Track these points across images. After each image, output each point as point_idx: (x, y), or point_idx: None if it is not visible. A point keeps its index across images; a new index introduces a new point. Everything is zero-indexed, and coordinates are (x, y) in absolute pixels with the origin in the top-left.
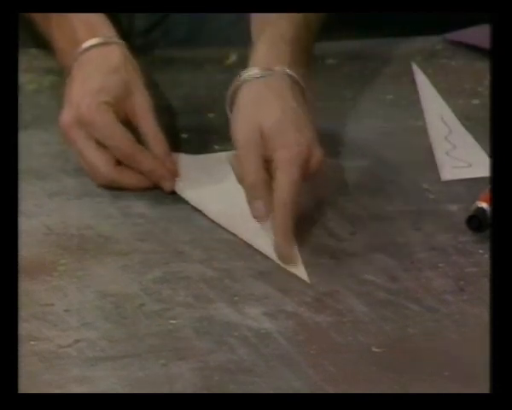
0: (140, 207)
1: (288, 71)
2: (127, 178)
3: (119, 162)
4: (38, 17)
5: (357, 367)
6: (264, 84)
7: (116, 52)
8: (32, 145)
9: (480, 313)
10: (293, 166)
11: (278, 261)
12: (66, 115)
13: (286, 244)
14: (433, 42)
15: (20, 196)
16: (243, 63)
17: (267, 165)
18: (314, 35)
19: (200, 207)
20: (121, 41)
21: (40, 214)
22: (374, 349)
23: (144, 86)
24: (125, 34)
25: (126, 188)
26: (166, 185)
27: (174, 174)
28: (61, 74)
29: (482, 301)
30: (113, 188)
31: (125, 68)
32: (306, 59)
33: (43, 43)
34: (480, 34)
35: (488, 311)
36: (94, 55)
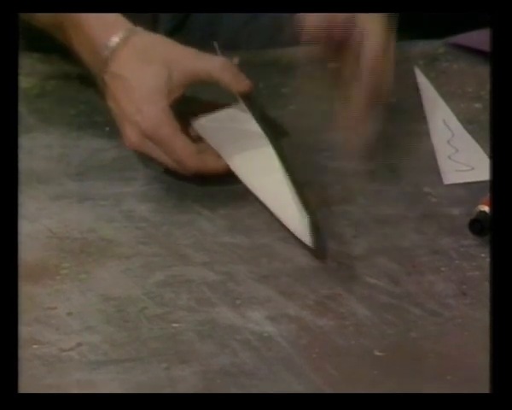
0: (142, 210)
1: None
2: (211, 162)
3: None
4: (52, 28)
5: (360, 371)
6: None
7: (139, 42)
8: (34, 149)
9: (482, 317)
10: (379, 31)
11: (293, 229)
12: (130, 133)
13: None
14: (435, 46)
15: (22, 199)
16: (246, 66)
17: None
18: None
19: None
20: (139, 28)
21: (42, 218)
22: (376, 353)
23: (180, 47)
24: None
25: (210, 171)
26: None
27: None
28: (63, 78)
29: (484, 305)
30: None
31: (154, 52)
32: None
33: (46, 47)
34: (482, 38)
35: (489, 316)
36: (120, 58)
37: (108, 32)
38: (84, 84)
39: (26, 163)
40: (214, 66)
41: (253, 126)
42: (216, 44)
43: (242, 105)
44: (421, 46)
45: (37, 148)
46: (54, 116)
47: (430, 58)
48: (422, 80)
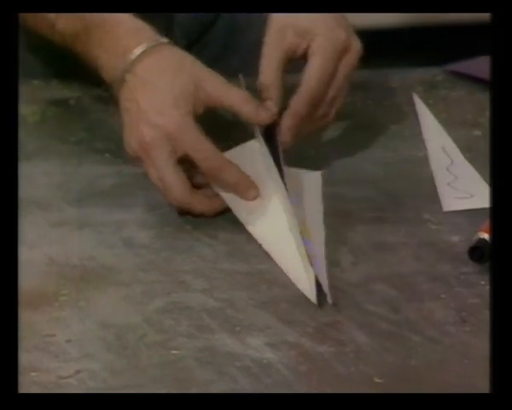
0: (142, 237)
1: None
2: (199, 202)
3: (193, 187)
4: (69, 37)
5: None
6: None
7: (168, 53)
8: (34, 176)
9: (482, 345)
10: (328, 50)
11: (294, 280)
12: (148, 132)
13: (290, 126)
14: (433, 73)
15: (22, 226)
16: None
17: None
18: None
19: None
20: (165, 40)
21: (42, 245)
22: (376, 380)
23: (207, 69)
24: None
25: (195, 213)
26: (251, 194)
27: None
28: (63, 105)
29: (484, 332)
30: (183, 213)
31: (183, 66)
32: None
33: (46, 74)
34: (481, 65)
35: (489, 343)
36: (147, 63)
37: (138, 39)
38: (85, 111)
39: (25, 190)
40: (237, 99)
41: (266, 167)
42: (241, 77)
43: (259, 140)
44: (420, 73)
45: (37, 174)
46: (54, 143)
47: (429, 85)
48: (421, 107)
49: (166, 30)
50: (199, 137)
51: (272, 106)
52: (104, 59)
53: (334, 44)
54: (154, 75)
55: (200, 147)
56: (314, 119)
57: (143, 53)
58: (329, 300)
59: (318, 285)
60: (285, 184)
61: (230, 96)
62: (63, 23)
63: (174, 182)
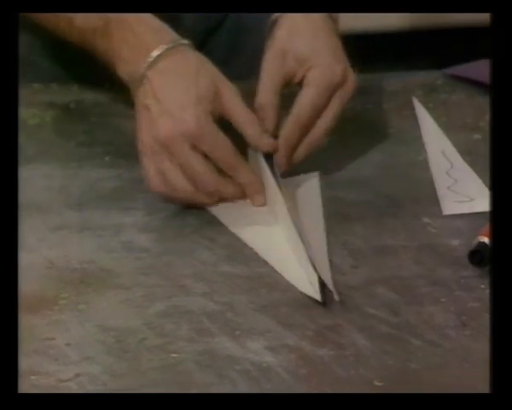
0: (142, 240)
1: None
2: (230, 187)
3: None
4: (89, 32)
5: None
6: (300, 16)
7: (190, 54)
8: (34, 179)
9: (482, 349)
10: (322, 84)
11: (304, 290)
12: (167, 127)
13: (283, 155)
14: (433, 76)
15: (21, 230)
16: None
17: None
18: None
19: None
20: (187, 41)
21: (42, 248)
22: (376, 383)
23: (225, 79)
24: None
25: (225, 198)
26: (258, 200)
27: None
28: (63, 109)
29: (484, 336)
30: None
31: (205, 68)
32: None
33: (45, 77)
34: (480, 69)
35: (490, 347)
36: (170, 61)
37: (162, 38)
38: (84, 114)
39: (25, 194)
40: (244, 120)
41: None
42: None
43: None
44: (420, 77)
45: (36, 178)
46: (53, 147)
47: (429, 89)
48: (421, 111)
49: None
50: (218, 135)
51: (268, 126)
52: (126, 55)
53: (330, 79)
54: (176, 74)
55: (219, 144)
56: (305, 144)
57: (165, 52)
58: (336, 297)
59: (321, 285)
60: (280, 188)
61: (239, 113)
62: (81, 19)
63: (204, 169)
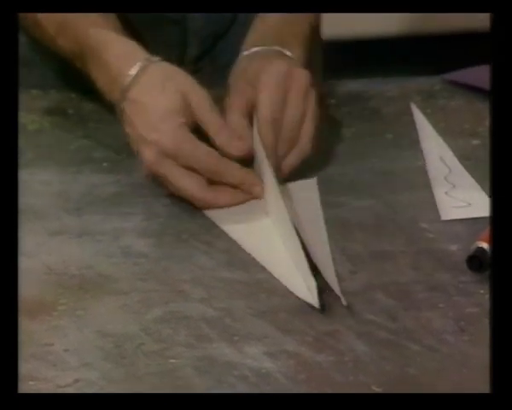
0: (141, 246)
1: (285, 51)
2: (222, 197)
3: (210, 182)
4: (68, 55)
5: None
6: (261, 56)
7: (156, 72)
8: (32, 184)
9: (480, 354)
10: (272, 84)
11: (302, 296)
12: (149, 154)
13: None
14: (431, 82)
15: (20, 235)
16: None
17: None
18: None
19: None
20: (156, 57)
21: (41, 254)
22: (374, 388)
23: (196, 84)
24: (177, 63)
25: (223, 206)
26: (257, 191)
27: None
28: (62, 114)
29: (483, 341)
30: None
31: (171, 81)
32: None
33: (45, 84)
34: (479, 75)
35: (489, 352)
36: (139, 85)
37: (128, 63)
38: (83, 120)
39: (24, 198)
40: (214, 127)
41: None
42: None
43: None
44: (418, 82)
45: (35, 183)
46: (52, 152)
47: (427, 94)
48: (419, 117)
49: (180, 39)
50: (196, 146)
51: (240, 144)
52: (102, 86)
53: (277, 75)
54: (144, 95)
55: (199, 155)
56: (293, 154)
57: (135, 77)
58: (344, 302)
59: (320, 292)
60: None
61: (208, 121)
62: (62, 41)
63: (189, 184)
